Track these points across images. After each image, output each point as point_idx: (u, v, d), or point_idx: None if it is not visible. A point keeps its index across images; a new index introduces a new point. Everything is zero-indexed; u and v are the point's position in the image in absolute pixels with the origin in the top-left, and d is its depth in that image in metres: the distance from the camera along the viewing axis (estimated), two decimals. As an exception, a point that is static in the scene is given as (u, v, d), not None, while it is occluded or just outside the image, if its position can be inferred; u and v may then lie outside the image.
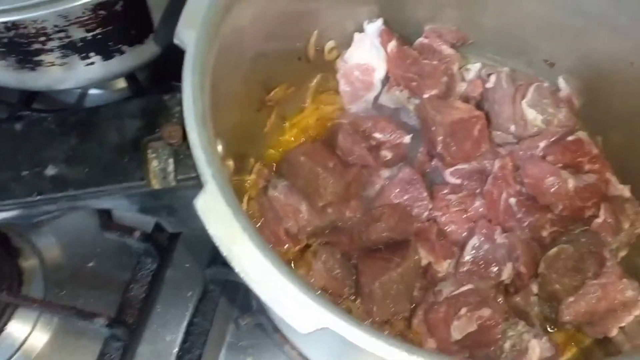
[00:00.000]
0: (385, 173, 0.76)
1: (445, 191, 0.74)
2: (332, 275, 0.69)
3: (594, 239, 0.67)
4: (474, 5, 0.77)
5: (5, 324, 0.76)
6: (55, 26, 0.66)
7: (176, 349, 0.75)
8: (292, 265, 0.71)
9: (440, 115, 0.71)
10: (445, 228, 0.73)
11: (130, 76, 0.87)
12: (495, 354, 0.64)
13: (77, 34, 0.69)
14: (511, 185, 0.72)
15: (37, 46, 0.68)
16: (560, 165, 0.72)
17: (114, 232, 0.77)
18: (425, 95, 0.76)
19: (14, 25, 0.63)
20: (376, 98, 0.80)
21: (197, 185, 0.47)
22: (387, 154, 0.77)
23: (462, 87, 0.79)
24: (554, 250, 0.67)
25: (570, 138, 0.73)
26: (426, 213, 0.73)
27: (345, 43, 0.79)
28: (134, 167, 0.47)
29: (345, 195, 0.71)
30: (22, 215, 0.48)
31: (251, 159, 0.75)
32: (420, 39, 0.79)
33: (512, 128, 0.76)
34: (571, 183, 0.69)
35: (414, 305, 0.69)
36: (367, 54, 0.78)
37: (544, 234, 0.71)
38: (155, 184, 0.47)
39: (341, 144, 0.73)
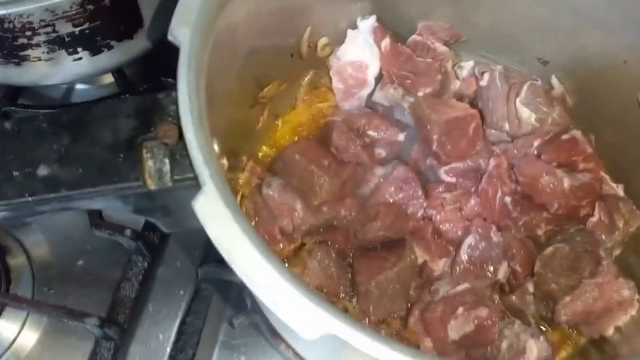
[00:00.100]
0: (380, 171, 0.74)
1: (440, 189, 0.72)
2: (327, 274, 0.68)
3: (589, 238, 0.66)
4: (467, 3, 0.75)
5: (-7, 323, 0.74)
6: (42, 21, 0.64)
7: (169, 348, 0.73)
8: (287, 264, 0.70)
9: (436, 113, 0.70)
10: (441, 227, 0.71)
11: (118, 71, 0.85)
12: (492, 354, 0.63)
13: (65, 28, 0.66)
14: (506, 184, 0.71)
15: (22, 41, 0.65)
16: (554, 164, 0.71)
17: (105, 230, 0.75)
18: (420, 93, 0.75)
19: (-1, 19, 0.61)
20: (369, 95, 0.78)
21: (194, 185, 0.46)
22: (381, 152, 0.75)
23: (456, 85, 0.78)
24: (549, 249, 0.66)
25: (564, 137, 0.72)
26: (421, 211, 0.72)
27: (338, 40, 0.77)
28: (129, 167, 0.45)
29: (340, 193, 0.69)
30: (12, 217, 0.46)
31: (243, 156, 0.73)
32: (414, 36, 0.77)
33: (506, 126, 0.75)
34: (566, 182, 0.68)
35: (409, 304, 0.69)
36: (360, 51, 0.76)
37: (539, 232, 0.70)
38: (151, 185, 0.45)
39: (336, 142, 0.72)
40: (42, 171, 0.44)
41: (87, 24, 0.67)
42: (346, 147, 0.72)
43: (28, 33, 0.64)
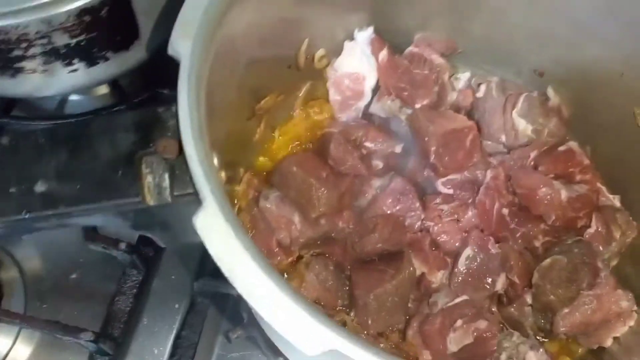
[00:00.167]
0: (377, 182, 0.74)
1: (437, 201, 0.72)
2: (325, 287, 0.67)
3: (587, 250, 0.66)
4: (463, 15, 0.76)
5: (-14, 338, 0.73)
6: (38, 32, 0.63)
7: (165, 363, 0.73)
8: (284, 277, 0.69)
9: (434, 125, 0.70)
10: (438, 238, 0.71)
11: (113, 82, 0.84)
12: (492, 366, 0.64)
13: (61, 40, 0.65)
14: (504, 196, 0.71)
15: (18, 53, 0.65)
16: (552, 175, 0.71)
17: (99, 244, 0.74)
18: (417, 105, 0.75)
19: (-6, 31, 0.60)
20: (366, 107, 0.79)
21: (194, 200, 0.45)
22: (378, 163, 0.75)
23: (452, 96, 0.78)
24: (547, 261, 0.66)
25: (561, 148, 0.73)
26: (419, 223, 0.72)
27: (335, 51, 0.77)
28: (128, 182, 0.44)
29: (338, 205, 0.69)
30: (10, 234, 0.45)
31: (241, 168, 0.73)
32: (411, 48, 0.78)
33: (503, 138, 0.76)
34: (564, 194, 0.69)
35: (408, 316, 0.68)
36: (357, 63, 0.76)
37: (537, 244, 0.70)
38: (150, 201, 0.44)
39: (333, 154, 0.71)
40: (40, 187, 0.43)
41: (84, 35, 0.66)
42: (344, 159, 0.71)
43: (23, 45, 0.63)
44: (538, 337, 0.68)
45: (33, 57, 0.66)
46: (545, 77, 0.78)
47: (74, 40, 0.66)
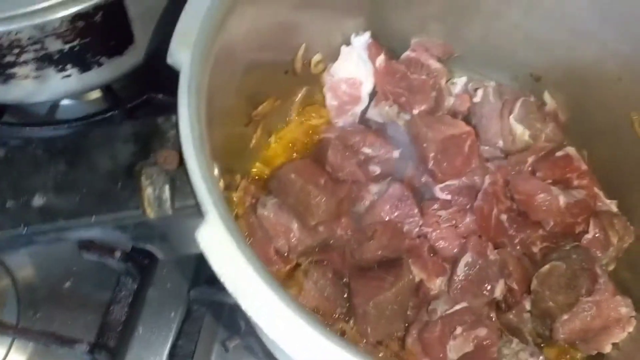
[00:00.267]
0: (374, 188, 0.73)
1: (435, 207, 0.72)
2: (323, 296, 0.67)
3: (585, 255, 0.66)
4: (460, 19, 0.76)
5: (-22, 348, 0.72)
6: (30, 38, 0.62)
7: (160, 372, 0.72)
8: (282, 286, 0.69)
9: (432, 131, 0.69)
10: (437, 244, 0.71)
11: (106, 87, 0.83)
12: (492, 374, 0.64)
13: (54, 46, 0.64)
14: (502, 201, 0.71)
15: (9, 59, 0.63)
16: (549, 181, 0.71)
17: (94, 252, 0.72)
18: (415, 111, 0.74)
19: (-15, 38, 0.59)
20: (363, 112, 0.78)
21: (195, 213, 0.45)
22: (376, 169, 0.75)
23: (449, 101, 0.78)
24: (546, 267, 0.66)
25: (559, 154, 0.73)
26: (417, 229, 0.72)
27: (332, 56, 0.77)
28: (128, 195, 0.43)
29: (337, 212, 0.69)
30: (7, 248, 0.44)
31: (237, 175, 0.72)
32: (407, 53, 0.77)
33: (500, 143, 0.76)
34: (562, 199, 0.68)
35: (407, 324, 0.68)
36: (354, 68, 0.76)
37: (535, 250, 0.70)
38: (151, 213, 0.44)
39: (331, 160, 0.71)
40: (38, 200, 0.42)
41: (77, 40, 0.65)
42: (342, 166, 0.71)
43: (15, 51, 0.62)
44: (537, 343, 0.68)
45: (25, 63, 0.65)
46: (541, 81, 0.78)
47: (67, 46, 0.65)
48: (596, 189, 0.72)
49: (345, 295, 0.68)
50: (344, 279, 0.69)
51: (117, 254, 0.72)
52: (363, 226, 0.71)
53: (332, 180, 0.70)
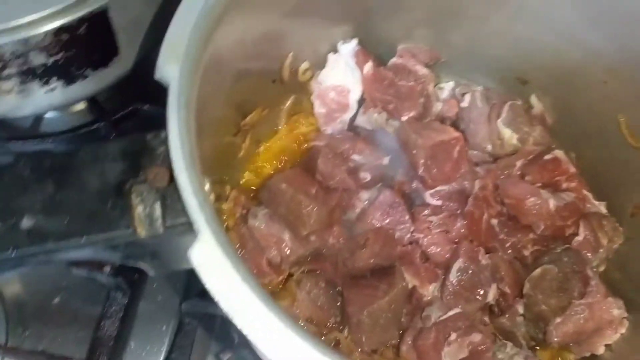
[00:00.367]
0: (365, 195, 0.73)
1: (426, 212, 0.72)
2: (317, 305, 0.66)
3: (576, 258, 0.67)
4: (446, 25, 0.75)
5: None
6: (14, 53, 0.61)
7: (154, 387, 0.71)
8: (275, 296, 0.68)
9: (422, 138, 0.69)
10: (428, 250, 0.71)
11: (90, 98, 0.82)
12: (487, 379, 0.64)
13: (38, 59, 0.63)
14: (492, 206, 0.71)
15: (-8, 74, 0.63)
16: (539, 184, 0.71)
17: (83, 268, 0.71)
18: (404, 118, 0.74)
19: (-33, 54, 0.58)
20: (352, 119, 0.78)
21: (187, 230, 0.44)
22: (366, 176, 0.74)
23: (437, 107, 0.78)
24: (538, 271, 0.67)
25: (547, 157, 0.73)
26: (408, 236, 0.72)
27: (319, 64, 0.76)
28: (118, 214, 0.43)
29: (328, 221, 0.68)
30: (-6, 272, 0.43)
31: (227, 185, 0.72)
32: (395, 59, 0.77)
33: (489, 147, 0.76)
34: (552, 203, 0.69)
35: (401, 331, 0.68)
36: (341, 75, 0.75)
37: (526, 253, 0.70)
38: (142, 232, 0.43)
39: (321, 169, 0.70)
40: (27, 223, 0.41)
41: (61, 53, 0.64)
42: (332, 174, 0.71)
43: (-2, 66, 0.61)
44: (530, 346, 0.68)
45: (8, 77, 0.63)
46: (528, 85, 0.78)
47: (52, 59, 0.64)
48: (585, 191, 0.73)
49: (339, 304, 0.68)
50: (337, 288, 0.68)
51: (107, 268, 0.71)
52: (355, 234, 0.70)
53: (322, 189, 0.69)
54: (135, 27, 0.70)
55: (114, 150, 0.45)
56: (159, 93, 0.48)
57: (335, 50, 0.76)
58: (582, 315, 0.63)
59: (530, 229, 0.71)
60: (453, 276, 0.69)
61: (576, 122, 0.75)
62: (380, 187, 0.73)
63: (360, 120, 0.77)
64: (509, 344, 0.66)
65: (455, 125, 0.77)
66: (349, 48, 0.74)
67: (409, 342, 0.66)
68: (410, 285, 0.70)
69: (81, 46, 0.65)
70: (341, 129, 0.78)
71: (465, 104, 0.77)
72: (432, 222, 0.72)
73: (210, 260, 0.40)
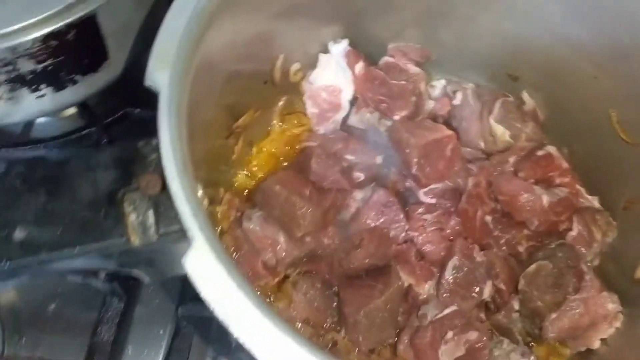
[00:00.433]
0: (359, 194, 0.73)
1: (420, 211, 0.72)
2: (313, 307, 0.66)
3: (570, 253, 0.67)
4: (436, 24, 0.75)
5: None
6: (2, 60, 0.60)
7: (152, 392, 0.71)
8: (271, 299, 0.68)
9: (414, 137, 0.69)
10: (423, 248, 0.71)
11: (81, 103, 0.82)
12: (484, 376, 0.64)
13: (27, 66, 0.62)
14: (486, 203, 0.71)
15: (-20, 82, 0.62)
16: (532, 180, 0.71)
17: (78, 274, 0.71)
18: (396, 117, 0.74)
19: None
20: (344, 118, 0.78)
21: (181, 237, 0.44)
22: (359, 175, 0.74)
23: (429, 105, 0.78)
24: (532, 267, 0.67)
25: (540, 153, 0.73)
26: (403, 234, 0.71)
27: (310, 64, 0.76)
28: (111, 223, 0.42)
29: (323, 222, 0.68)
30: (-13, 283, 0.43)
31: (220, 188, 0.71)
32: (386, 58, 0.77)
33: (482, 144, 0.76)
34: (545, 199, 0.69)
35: (398, 330, 0.68)
36: (333, 75, 0.75)
37: (521, 249, 0.70)
38: (135, 240, 0.42)
39: (315, 170, 0.70)
40: (19, 234, 0.41)
41: (51, 60, 0.64)
42: (326, 174, 0.70)
43: (-14, 73, 0.60)
44: (527, 342, 0.68)
45: (-3, 85, 0.63)
46: (519, 81, 0.78)
47: (41, 66, 0.64)
48: (578, 186, 0.73)
49: (335, 305, 0.68)
50: (333, 288, 0.68)
51: (102, 274, 0.71)
52: (350, 234, 0.70)
53: (316, 190, 0.69)
54: (124, 31, 0.69)
55: (105, 158, 0.44)
56: (150, 97, 0.48)
57: (326, 50, 0.75)
58: (577, 311, 0.63)
59: (525, 225, 0.71)
60: (448, 274, 0.69)
61: (568, 118, 0.75)
62: (374, 186, 0.73)
63: (353, 120, 0.76)
64: (506, 341, 0.67)
65: (447, 123, 0.77)
66: (339, 48, 0.74)
67: (406, 341, 0.66)
68: (406, 284, 0.69)
69: (70, 52, 0.65)
70: (334, 128, 0.78)
71: (457, 101, 0.77)
72: (426, 220, 0.72)
73: (205, 268, 0.40)
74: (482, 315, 0.70)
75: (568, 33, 0.68)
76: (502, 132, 0.75)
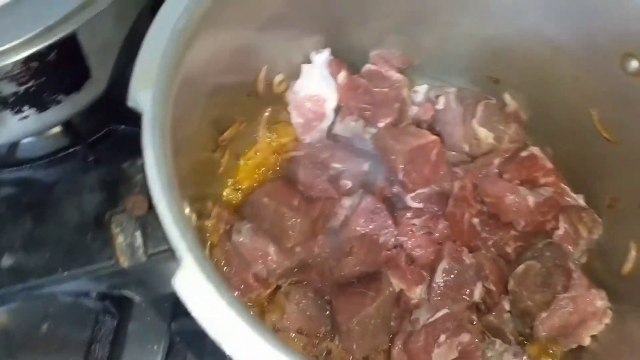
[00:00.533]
0: (347, 202, 0.73)
1: (408, 216, 0.72)
2: (306, 316, 0.66)
3: (557, 252, 0.67)
4: (416, 30, 0.75)
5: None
6: (-18, 84, 0.60)
7: (148, 408, 0.70)
8: (264, 310, 0.68)
9: (399, 144, 0.69)
10: (413, 252, 0.71)
11: (65, 122, 0.81)
12: (478, 377, 0.64)
13: (8, 89, 0.62)
14: (472, 206, 0.72)
15: (-39, 107, 0.62)
16: (517, 181, 0.72)
17: (68, 295, 0.71)
18: (381, 124, 0.74)
19: None
20: (330, 127, 0.78)
21: (170, 256, 0.44)
22: (347, 183, 0.74)
23: (413, 110, 0.78)
24: (521, 267, 0.67)
25: (523, 154, 0.73)
26: (392, 240, 0.72)
27: (293, 74, 0.76)
28: (99, 246, 0.42)
29: (312, 231, 0.68)
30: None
31: (209, 202, 0.71)
32: (368, 66, 0.77)
33: (466, 147, 0.76)
34: (530, 199, 0.69)
35: (391, 335, 0.68)
36: (316, 85, 0.75)
37: (509, 250, 0.70)
38: (124, 262, 0.42)
39: (302, 180, 0.70)
40: (7, 261, 0.41)
41: (32, 81, 0.63)
42: (313, 184, 0.71)
43: (-33, 98, 0.60)
44: (519, 341, 0.69)
45: (-21, 108, 0.63)
46: (500, 83, 0.78)
47: (22, 88, 0.63)
48: (562, 185, 0.73)
49: (328, 313, 0.68)
50: (325, 297, 0.68)
51: (93, 293, 0.70)
52: (340, 242, 0.70)
53: (305, 200, 0.69)
54: (106, 49, 0.69)
55: (91, 181, 0.44)
56: (134, 113, 0.48)
57: (308, 60, 0.75)
58: (566, 309, 0.64)
59: (512, 226, 0.71)
60: (439, 277, 0.69)
61: (550, 118, 0.75)
62: (361, 193, 0.73)
63: (338, 129, 0.77)
64: (498, 341, 0.67)
65: (431, 127, 0.78)
66: (322, 58, 0.74)
67: (400, 346, 0.66)
68: (397, 289, 0.70)
69: (52, 72, 0.64)
70: (320, 137, 0.78)
71: (440, 106, 0.77)
72: (415, 224, 0.72)
73: (194, 287, 0.39)
74: (474, 317, 0.70)
75: (547, 34, 0.69)
76: (485, 135, 0.75)
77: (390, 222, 0.71)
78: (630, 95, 0.63)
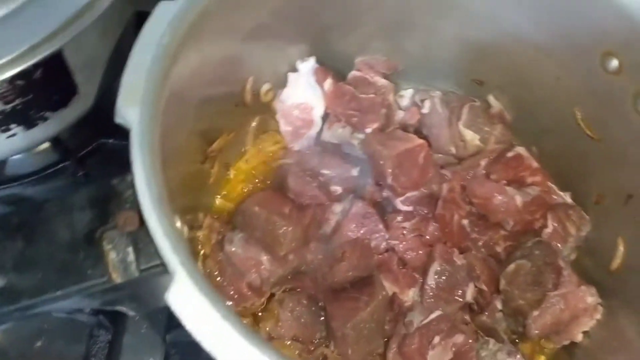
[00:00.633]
0: (338, 207, 0.73)
1: (399, 219, 0.72)
2: (301, 323, 0.66)
3: (547, 250, 0.68)
4: (399, 36, 0.76)
5: None
6: (-32, 104, 0.60)
7: (145, 421, 0.70)
8: (259, 319, 0.68)
9: (387, 149, 0.70)
10: (405, 255, 0.71)
11: (53, 138, 0.81)
12: (472, 377, 0.64)
13: (-6, 107, 0.62)
14: (461, 207, 0.72)
15: (-53, 126, 0.61)
16: (504, 182, 0.73)
17: (62, 310, 0.70)
18: (368, 130, 0.74)
19: None
20: (318, 134, 0.78)
21: (163, 271, 0.44)
22: (337, 189, 0.74)
23: (399, 114, 0.79)
24: (512, 266, 0.67)
25: (509, 154, 0.74)
26: (384, 244, 0.72)
27: (280, 83, 0.76)
28: (91, 263, 0.42)
29: (304, 238, 0.69)
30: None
31: (200, 213, 0.71)
32: (354, 72, 0.77)
33: (453, 150, 0.76)
34: (518, 199, 0.70)
35: (385, 339, 0.68)
36: (303, 93, 0.75)
37: (499, 249, 0.71)
38: (117, 278, 0.42)
39: (293, 187, 0.70)
40: (-2, 282, 0.41)
41: (19, 99, 0.63)
42: (304, 191, 0.71)
43: (-46, 118, 0.59)
44: (512, 340, 0.69)
45: (-34, 128, 0.62)
46: (484, 85, 0.79)
47: (9, 106, 0.63)
48: (549, 184, 0.74)
49: (322, 319, 0.68)
50: (320, 303, 0.68)
51: (87, 309, 0.70)
52: (332, 248, 0.70)
53: (296, 207, 0.69)
54: (92, 65, 0.69)
55: (81, 199, 0.44)
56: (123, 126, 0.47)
57: (294, 69, 0.75)
58: (558, 306, 0.64)
59: (501, 225, 0.72)
60: (431, 279, 0.69)
61: (535, 118, 0.76)
62: (352, 198, 0.73)
63: (326, 136, 0.77)
64: (492, 341, 0.67)
65: (418, 131, 0.78)
66: (307, 66, 0.74)
67: (395, 349, 0.67)
68: (390, 293, 0.70)
69: (39, 90, 0.64)
70: (309, 144, 0.78)
71: (426, 110, 0.77)
72: (405, 228, 0.72)
73: (188, 301, 0.39)
74: (467, 318, 0.70)
75: (528, 36, 0.69)
76: (471, 137, 0.76)
77: (381, 226, 0.72)
78: (612, 94, 0.63)
